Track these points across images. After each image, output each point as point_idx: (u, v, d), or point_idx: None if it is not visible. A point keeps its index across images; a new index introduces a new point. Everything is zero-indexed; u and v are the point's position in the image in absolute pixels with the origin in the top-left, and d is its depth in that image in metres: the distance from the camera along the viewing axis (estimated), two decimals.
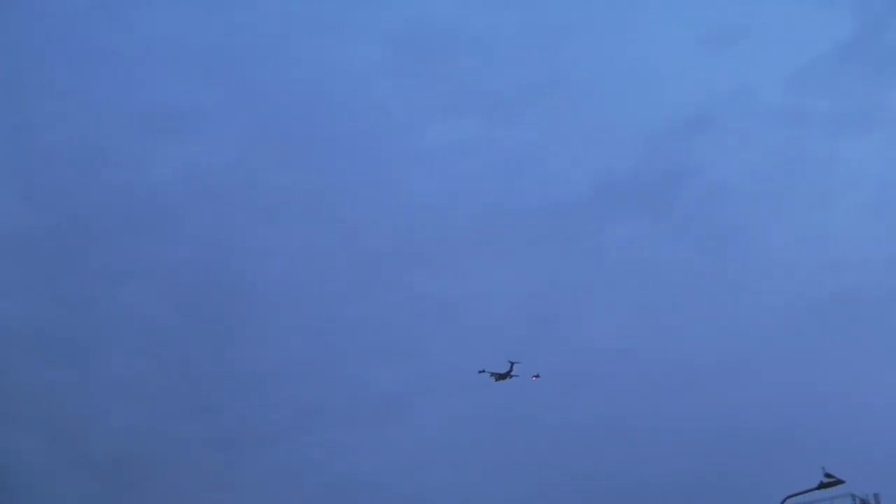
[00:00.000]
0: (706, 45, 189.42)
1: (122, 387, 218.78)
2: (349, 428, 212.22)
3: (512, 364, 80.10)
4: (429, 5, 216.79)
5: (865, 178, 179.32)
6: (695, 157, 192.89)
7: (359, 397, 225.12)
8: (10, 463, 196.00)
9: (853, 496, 56.07)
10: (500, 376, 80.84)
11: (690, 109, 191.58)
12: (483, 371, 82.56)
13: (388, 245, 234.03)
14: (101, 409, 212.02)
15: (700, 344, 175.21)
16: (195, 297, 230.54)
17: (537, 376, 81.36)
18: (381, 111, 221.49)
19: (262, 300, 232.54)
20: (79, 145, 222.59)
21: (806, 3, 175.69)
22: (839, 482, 45.01)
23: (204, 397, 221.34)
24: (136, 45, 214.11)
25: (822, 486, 45.03)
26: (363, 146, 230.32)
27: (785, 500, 45.09)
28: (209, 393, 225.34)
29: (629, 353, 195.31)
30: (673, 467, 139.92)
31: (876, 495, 57.76)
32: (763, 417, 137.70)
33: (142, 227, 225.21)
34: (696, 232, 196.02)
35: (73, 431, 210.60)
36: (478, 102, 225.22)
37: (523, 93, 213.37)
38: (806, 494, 45.49)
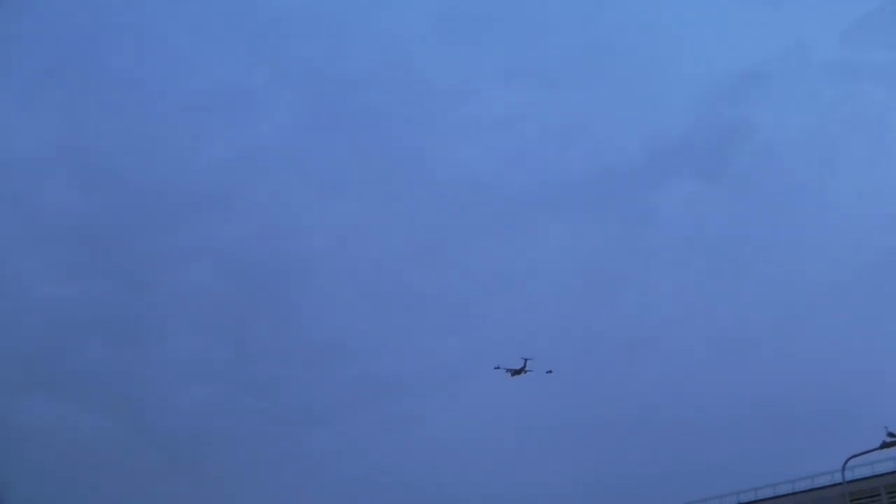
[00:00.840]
0: (759, 3, 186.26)
1: (185, 364, 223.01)
2: (413, 400, 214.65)
3: (525, 361, 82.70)
4: None
5: None
6: (748, 116, 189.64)
7: (421, 369, 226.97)
8: (79, 440, 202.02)
9: None
10: (516, 372, 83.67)
11: (743, 68, 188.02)
12: (499, 367, 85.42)
13: (444, 217, 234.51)
14: (165, 387, 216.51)
15: (758, 305, 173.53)
16: (254, 274, 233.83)
17: (550, 371, 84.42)
18: (430, 83, 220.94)
19: (321, 275, 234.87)
20: (133, 131, 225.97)
21: None
22: None
23: (266, 373, 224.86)
24: (184, 29, 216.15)
25: (884, 445, 45.01)
26: (414, 119, 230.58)
27: (848, 460, 45.54)
28: (271, 368, 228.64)
29: (687, 316, 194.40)
30: (733, 432, 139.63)
31: None
32: (823, 377, 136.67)
33: (198, 208, 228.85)
34: (751, 192, 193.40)
35: (137, 409, 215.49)
36: (526, 71, 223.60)
37: (572, 59, 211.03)
38: (868, 454, 45.78)
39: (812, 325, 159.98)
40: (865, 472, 52.51)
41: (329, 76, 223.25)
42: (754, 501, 58.31)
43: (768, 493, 58.06)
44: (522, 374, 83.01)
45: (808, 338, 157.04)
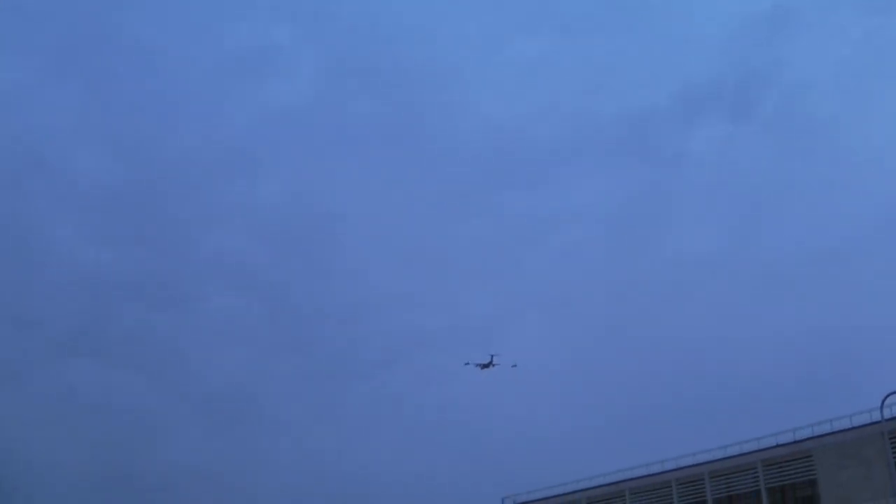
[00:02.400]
0: None
1: (222, 325, 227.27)
2: (446, 354, 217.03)
3: (492, 356, 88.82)
4: None
5: None
6: (776, 55, 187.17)
7: (455, 323, 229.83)
8: (119, 403, 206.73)
9: None
10: (484, 366, 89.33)
11: (771, 6, 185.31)
12: (468, 363, 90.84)
13: (474, 168, 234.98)
14: (203, 348, 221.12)
15: (791, 245, 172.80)
16: (286, 234, 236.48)
17: (515, 365, 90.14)
18: (457, 33, 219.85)
19: (352, 232, 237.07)
20: (159, 97, 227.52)
21: None
22: None
23: (302, 331, 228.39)
24: None
25: None
26: (441, 70, 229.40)
27: (886, 397, 45.53)
28: (307, 326, 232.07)
29: (720, 259, 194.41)
30: (770, 374, 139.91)
31: None
32: (859, 316, 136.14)
33: (228, 170, 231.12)
34: (781, 132, 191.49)
35: (177, 370, 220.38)
36: (551, 18, 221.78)
37: (597, 5, 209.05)
38: None
39: (847, 263, 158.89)
40: None
41: (351, 32, 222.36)
42: (793, 442, 58.68)
43: (806, 433, 58.35)
44: (491, 368, 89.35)
45: (844, 277, 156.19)
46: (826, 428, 57.25)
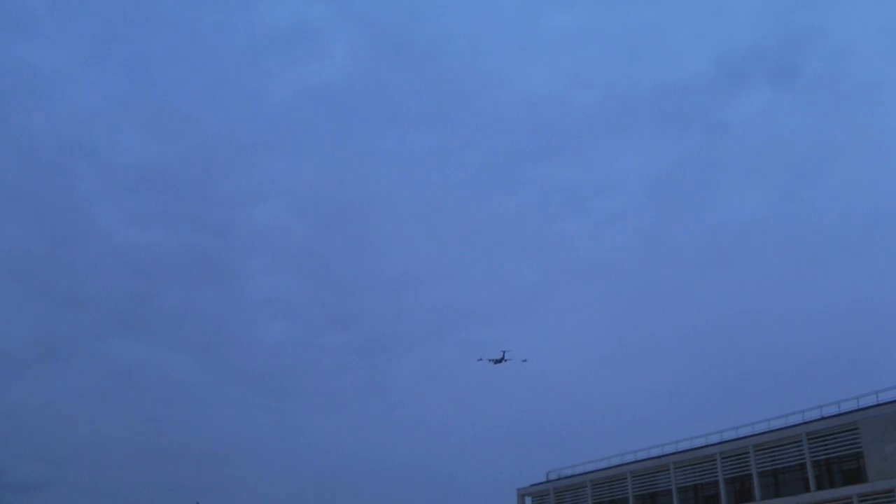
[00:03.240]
0: None
1: (267, 301, 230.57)
2: (489, 326, 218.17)
3: (503, 352, 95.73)
4: None
5: None
6: (818, 19, 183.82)
7: (497, 294, 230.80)
8: (165, 379, 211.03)
9: None
10: (496, 361, 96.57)
11: None
12: (481, 359, 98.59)
13: (513, 140, 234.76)
14: (249, 324, 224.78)
15: (838, 210, 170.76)
16: (327, 209, 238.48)
17: (525, 360, 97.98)
18: (493, 4, 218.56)
19: (394, 205, 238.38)
20: (198, 77, 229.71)
21: None
22: None
23: (345, 306, 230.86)
24: None
25: None
26: (478, 43, 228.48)
27: None
28: (349, 302, 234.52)
29: (764, 226, 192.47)
30: (815, 344, 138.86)
31: None
32: None
33: (267, 147, 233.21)
34: (824, 97, 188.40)
35: (224, 347, 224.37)
36: None
37: None
38: None
39: (894, 228, 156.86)
40: None
41: (386, 7, 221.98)
42: (838, 415, 58.63)
43: (852, 405, 58.24)
44: (503, 363, 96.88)
45: (891, 242, 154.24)
46: (871, 400, 57.08)
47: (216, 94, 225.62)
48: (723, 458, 64.54)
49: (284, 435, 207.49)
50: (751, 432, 63.66)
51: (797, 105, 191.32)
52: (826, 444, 58.25)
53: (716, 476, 64.85)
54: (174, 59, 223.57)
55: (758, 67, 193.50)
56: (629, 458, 73.56)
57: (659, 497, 69.75)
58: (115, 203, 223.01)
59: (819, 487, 57.51)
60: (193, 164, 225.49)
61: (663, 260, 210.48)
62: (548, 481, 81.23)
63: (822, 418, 59.14)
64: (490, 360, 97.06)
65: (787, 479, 60.20)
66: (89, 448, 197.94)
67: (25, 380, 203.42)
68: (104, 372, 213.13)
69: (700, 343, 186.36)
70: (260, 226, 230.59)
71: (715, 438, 66.39)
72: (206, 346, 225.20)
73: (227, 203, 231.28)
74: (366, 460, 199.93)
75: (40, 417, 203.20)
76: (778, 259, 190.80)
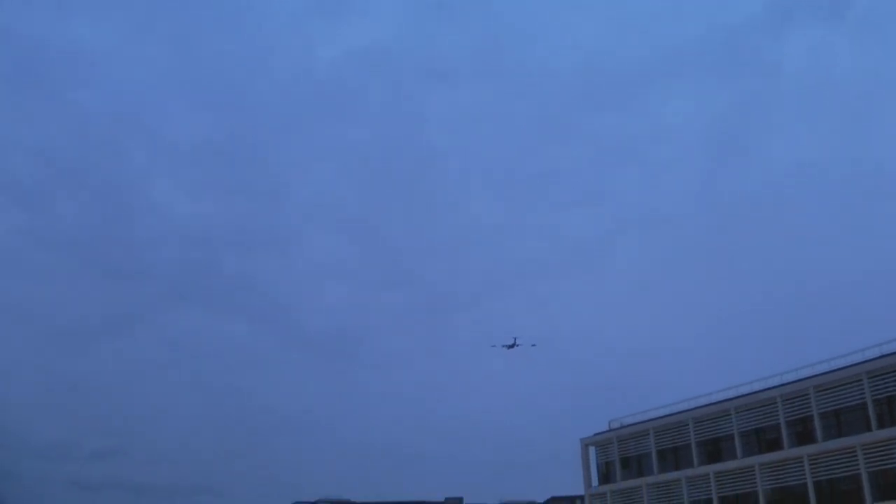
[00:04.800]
0: None
1: (324, 265, 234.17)
2: (547, 280, 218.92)
3: (515, 339, 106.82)
4: None
5: None
6: None
7: (554, 248, 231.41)
8: (228, 348, 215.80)
9: None
10: (509, 346, 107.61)
11: None
12: (494, 346, 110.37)
13: (565, 92, 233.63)
14: (305, 290, 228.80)
15: (892, 148, 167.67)
16: (381, 171, 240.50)
17: (534, 345, 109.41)
18: None
19: (447, 163, 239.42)
20: (245, 46, 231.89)
21: None
22: None
23: (403, 265, 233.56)
24: None
25: None
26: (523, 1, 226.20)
27: None
28: (408, 261, 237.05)
29: (822, 167, 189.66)
30: (874, 282, 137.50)
31: None
32: None
33: (317, 112, 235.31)
34: (877, 31, 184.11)
35: (283, 312, 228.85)
36: None
37: None
38: None
39: None
40: None
41: None
42: (882, 356, 58.79)
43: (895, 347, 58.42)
44: (515, 348, 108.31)
45: None
46: None
47: (263, 61, 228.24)
48: (783, 401, 64.95)
49: (347, 397, 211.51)
50: (811, 373, 63.96)
51: (848, 42, 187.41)
52: (887, 382, 58.17)
53: (777, 419, 65.32)
54: (219, 29, 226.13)
55: (807, 5, 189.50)
56: (691, 404, 74.42)
57: (721, 442, 70.56)
58: (168, 176, 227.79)
59: (881, 426, 57.60)
60: (244, 133, 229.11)
61: (719, 207, 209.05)
62: (610, 430, 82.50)
63: (883, 356, 58.99)
64: (503, 346, 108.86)
65: (848, 418, 60.44)
66: (156, 417, 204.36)
67: (91, 353, 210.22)
68: (167, 342, 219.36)
69: (758, 288, 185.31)
70: (313, 191, 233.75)
71: (775, 381, 66.80)
72: (265, 312, 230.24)
73: (281, 170, 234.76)
74: (429, 419, 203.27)
75: (107, 389, 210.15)
76: (834, 200, 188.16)
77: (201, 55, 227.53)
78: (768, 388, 66.88)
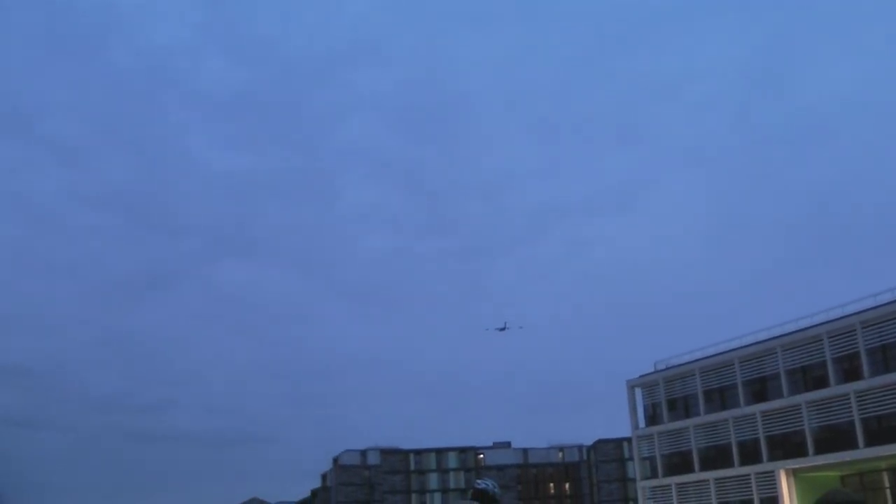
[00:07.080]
0: None
1: (364, 213, 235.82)
2: (586, 221, 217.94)
3: (505, 322, 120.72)
4: None
5: None
6: None
7: (595, 188, 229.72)
8: (274, 298, 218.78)
9: None
10: (500, 329, 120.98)
11: None
12: (487, 329, 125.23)
13: (600, 32, 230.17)
14: (348, 237, 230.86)
15: None
16: (416, 117, 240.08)
17: (521, 327, 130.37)
18: None
19: (483, 107, 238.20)
20: None
21: None
22: None
23: (442, 212, 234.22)
24: None
25: None
26: None
27: None
28: (447, 207, 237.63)
29: (863, 98, 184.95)
30: None
31: None
32: None
33: (351, 60, 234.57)
34: None
35: (326, 261, 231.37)
36: None
37: None
38: None
39: None
40: None
41: None
42: None
43: None
44: (505, 330, 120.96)
45: None
46: None
47: (294, 12, 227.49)
48: (829, 338, 64.22)
49: (392, 343, 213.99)
50: (857, 309, 63.15)
51: None
52: None
53: (823, 356, 64.75)
54: None
55: None
56: (736, 343, 73.98)
57: (768, 381, 70.10)
58: (206, 130, 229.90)
59: None
60: (279, 84, 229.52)
61: (759, 141, 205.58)
62: (656, 371, 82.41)
63: None
64: (495, 329, 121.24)
65: (895, 354, 59.90)
66: (204, 368, 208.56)
67: (139, 308, 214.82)
68: (213, 294, 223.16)
69: (801, 222, 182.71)
70: (351, 139, 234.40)
71: (821, 318, 66.07)
72: (308, 261, 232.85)
73: (317, 120, 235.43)
74: (473, 364, 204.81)
75: (156, 342, 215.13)
76: (873, 131, 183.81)
77: (231, 8, 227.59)
78: (814, 325, 66.18)
